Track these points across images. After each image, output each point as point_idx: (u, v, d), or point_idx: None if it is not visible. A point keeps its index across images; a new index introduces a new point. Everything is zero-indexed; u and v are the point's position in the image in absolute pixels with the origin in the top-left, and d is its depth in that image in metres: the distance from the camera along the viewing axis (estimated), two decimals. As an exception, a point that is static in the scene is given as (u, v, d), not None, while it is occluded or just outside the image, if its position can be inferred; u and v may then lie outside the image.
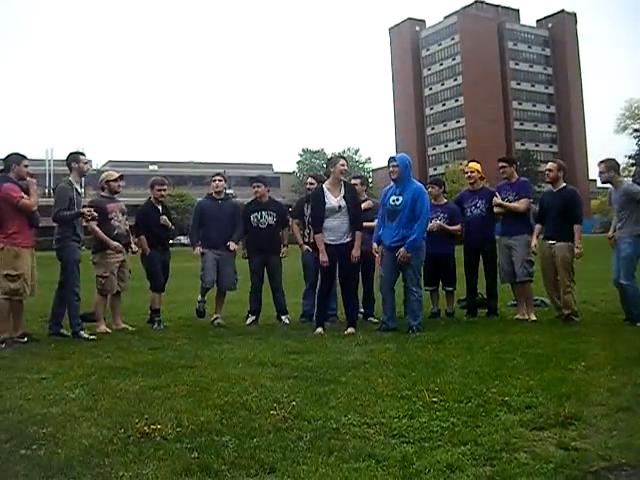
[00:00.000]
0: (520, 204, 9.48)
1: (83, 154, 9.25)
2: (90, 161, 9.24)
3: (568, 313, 9.04)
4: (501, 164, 9.83)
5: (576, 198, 9.41)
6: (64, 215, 8.69)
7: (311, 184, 10.20)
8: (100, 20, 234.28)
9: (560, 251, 9.10)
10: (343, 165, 8.93)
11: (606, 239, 9.44)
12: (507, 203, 9.54)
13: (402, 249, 8.55)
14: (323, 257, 8.75)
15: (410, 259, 8.57)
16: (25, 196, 8.28)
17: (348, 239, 8.74)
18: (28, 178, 8.51)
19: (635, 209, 8.60)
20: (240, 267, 10.38)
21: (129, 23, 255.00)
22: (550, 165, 9.57)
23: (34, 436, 4.19)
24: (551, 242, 9.25)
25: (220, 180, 10.41)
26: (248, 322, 10.00)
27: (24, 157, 8.58)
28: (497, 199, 9.63)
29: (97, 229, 9.14)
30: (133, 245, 9.81)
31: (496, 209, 9.67)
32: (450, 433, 4.14)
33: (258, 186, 10.32)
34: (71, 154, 9.20)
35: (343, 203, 8.75)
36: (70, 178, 9.00)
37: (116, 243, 9.26)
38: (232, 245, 10.07)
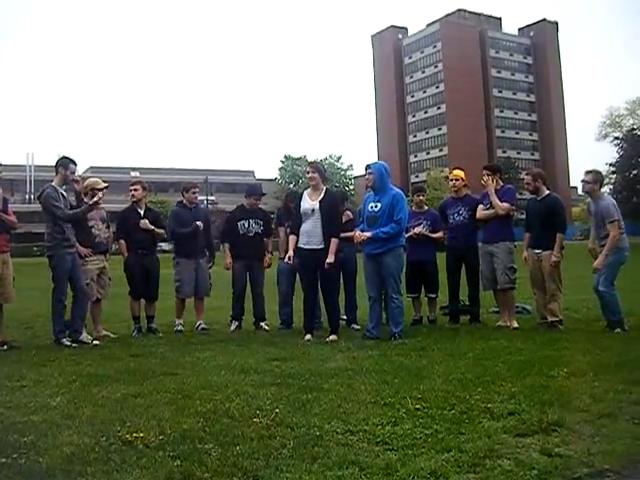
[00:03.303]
0: (502, 205, 9.44)
1: (74, 163, 9.02)
2: (75, 172, 9.01)
3: (553, 320, 9.07)
4: (484, 172, 9.78)
5: (558, 206, 9.42)
6: (75, 213, 8.68)
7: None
8: (82, 24, 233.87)
9: (546, 260, 9.12)
10: (308, 173, 9.08)
11: (587, 246, 9.52)
12: (494, 197, 9.47)
13: (365, 233, 8.64)
14: (290, 253, 8.84)
15: (364, 240, 8.66)
16: None
17: (322, 245, 8.71)
18: None
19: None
20: (220, 273, 10.36)
21: (111, 29, 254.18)
22: (526, 178, 9.57)
23: (15, 444, 4.15)
24: (537, 251, 9.28)
25: (197, 192, 10.59)
26: (232, 328, 10.01)
27: None
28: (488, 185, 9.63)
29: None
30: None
31: (479, 214, 9.64)
32: (433, 440, 4.14)
33: (257, 199, 10.47)
34: (63, 158, 8.97)
35: (317, 207, 8.75)
36: (53, 183, 8.82)
37: (84, 250, 9.12)
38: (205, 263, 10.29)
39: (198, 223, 10.07)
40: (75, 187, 9.39)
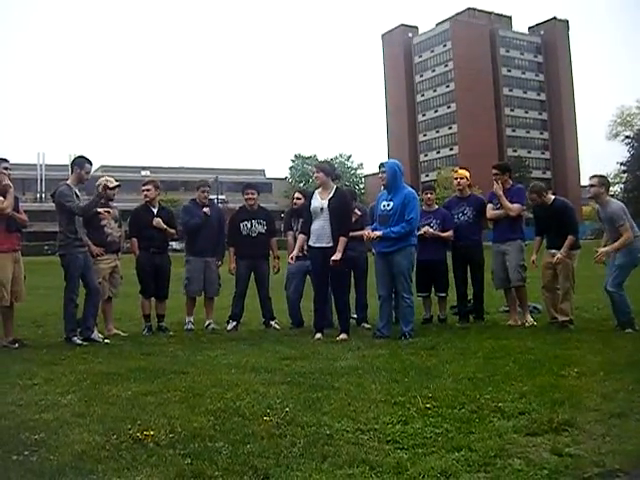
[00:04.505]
0: (513, 206, 9.44)
1: (90, 162, 9.00)
2: (90, 172, 8.97)
3: (564, 320, 9.04)
4: (493, 171, 9.78)
5: (568, 208, 9.38)
6: (86, 206, 8.68)
7: (298, 199, 10.11)
8: (92, 24, 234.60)
9: (562, 260, 9.06)
10: (314, 173, 9.16)
11: (598, 245, 9.50)
12: (504, 199, 9.47)
13: (376, 232, 8.67)
14: (294, 253, 9.04)
15: (374, 239, 8.71)
16: (0, 199, 8.21)
17: (332, 243, 8.69)
18: (5, 181, 8.33)
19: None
20: (223, 273, 10.37)
21: (122, 29, 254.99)
22: (531, 198, 9.44)
23: (26, 442, 4.17)
24: (553, 251, 9.19)
25: (208, 191, 10.41)
26: (229, 328, 9.96)
27: (3, 160, 8.50)
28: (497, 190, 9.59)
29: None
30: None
31: (489, 214, 9.65)
32: (444, 439, 4.14)
33: (252, 193, 10.34)
34: (79, 157, 8.98)
35: (326, 205, 8.74)
36: (68, 182, 8.82)
37: (97, 249, 9.21)
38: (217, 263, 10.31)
39: (205, 210, 10.06)
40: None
